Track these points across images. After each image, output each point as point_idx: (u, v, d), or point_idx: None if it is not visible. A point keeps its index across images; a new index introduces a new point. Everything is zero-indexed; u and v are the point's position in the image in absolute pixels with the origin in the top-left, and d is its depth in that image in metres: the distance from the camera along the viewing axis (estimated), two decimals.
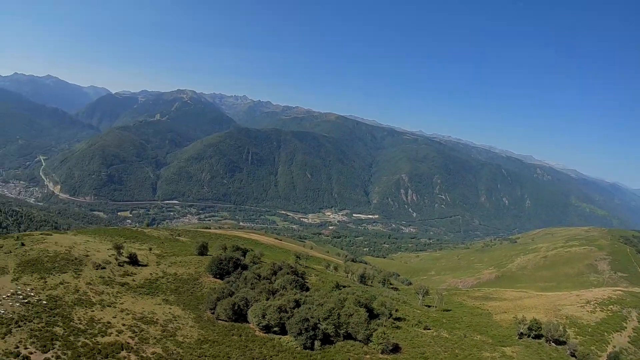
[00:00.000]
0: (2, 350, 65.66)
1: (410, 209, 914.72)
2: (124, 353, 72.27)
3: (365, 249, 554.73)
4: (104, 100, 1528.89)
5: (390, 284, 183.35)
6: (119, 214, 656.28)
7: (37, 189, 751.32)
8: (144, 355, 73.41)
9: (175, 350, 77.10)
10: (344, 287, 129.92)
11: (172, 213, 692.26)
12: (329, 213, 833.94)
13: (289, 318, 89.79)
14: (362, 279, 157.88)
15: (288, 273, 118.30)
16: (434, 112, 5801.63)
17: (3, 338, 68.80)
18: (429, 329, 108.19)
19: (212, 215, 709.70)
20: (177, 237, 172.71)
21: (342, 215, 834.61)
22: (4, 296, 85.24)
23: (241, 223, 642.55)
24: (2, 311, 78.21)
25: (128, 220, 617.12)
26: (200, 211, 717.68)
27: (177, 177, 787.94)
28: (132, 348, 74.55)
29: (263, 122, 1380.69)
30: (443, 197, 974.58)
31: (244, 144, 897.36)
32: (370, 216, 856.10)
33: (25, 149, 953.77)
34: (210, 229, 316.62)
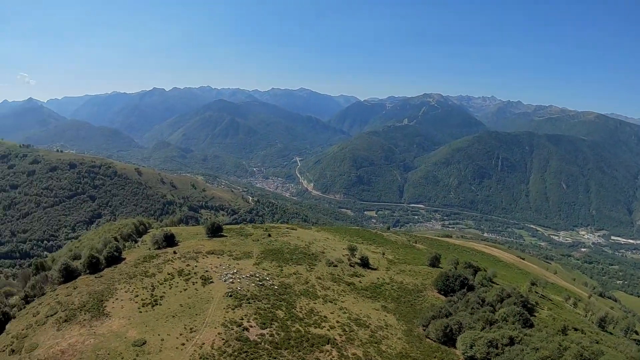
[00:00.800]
0: (229, 319, 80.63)
1: None
2: (328, 347, 77.57)
3: (618, 282, 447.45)
4: (353, 108, 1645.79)
5: (637, 333, 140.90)
6: (365, 213, 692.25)
7: (292, 185, 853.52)
8: (345, 354, 77.04)
9: (374, 357, 78.70)
10: (575, 330, 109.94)
11: (416, 217, 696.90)
12: (583, 232, 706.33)
13: (497, 355, 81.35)
14: (602, 322, 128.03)
15: (515, 303, 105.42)
16: None
17: (233, 310, 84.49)
18: None
19: (456, 222, 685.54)
20: (413, 244, 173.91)
21: (598, 236, 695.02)
22: (244, 276, 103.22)
23: (485, 234, 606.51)
24: (239, 287, 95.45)
25: (373, 220, 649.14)
26: (445, 217, 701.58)
27: (424, 181, 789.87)
28: (337, 344, 79.09)
29: (513, 124, 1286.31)
30: None
31: (493, 148, 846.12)
32: (632, 241, 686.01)
33: (283, 151, 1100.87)
34: (451, 237, 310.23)
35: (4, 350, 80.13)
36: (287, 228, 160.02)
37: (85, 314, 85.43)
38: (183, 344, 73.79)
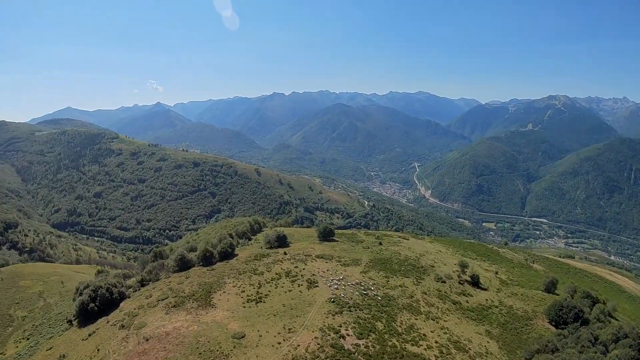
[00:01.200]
0: (327, 324, 79.85)
1: None
2: None
3: None
4: (474, 112, 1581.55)
5: None
6: (483, 224, 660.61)
7: (409, 191, 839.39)
8: None
9: None
10: None
11: (537, 232, 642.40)
12: None
13: None
14: None
15: (631, 346, 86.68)
16: None
17: (333, 316, 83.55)
18: None
19: (581, 242, 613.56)
20: (530, 264, 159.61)
21: None
22: (349, 283, 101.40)
23: (612, 257, 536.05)
24: (342, 294, 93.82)
25: (491, 232, 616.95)
26: (569, 235, 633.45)
27: (549, 193, 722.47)
28: None
29: None
30: None
31: (626, 158, 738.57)
32: None
33: (402, 156, 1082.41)
34: (573, 258, 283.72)
35: (115, 325, 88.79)
36: (399, 237, 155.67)
37: (193, 302, 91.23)
38: (279, 343, 74.24)
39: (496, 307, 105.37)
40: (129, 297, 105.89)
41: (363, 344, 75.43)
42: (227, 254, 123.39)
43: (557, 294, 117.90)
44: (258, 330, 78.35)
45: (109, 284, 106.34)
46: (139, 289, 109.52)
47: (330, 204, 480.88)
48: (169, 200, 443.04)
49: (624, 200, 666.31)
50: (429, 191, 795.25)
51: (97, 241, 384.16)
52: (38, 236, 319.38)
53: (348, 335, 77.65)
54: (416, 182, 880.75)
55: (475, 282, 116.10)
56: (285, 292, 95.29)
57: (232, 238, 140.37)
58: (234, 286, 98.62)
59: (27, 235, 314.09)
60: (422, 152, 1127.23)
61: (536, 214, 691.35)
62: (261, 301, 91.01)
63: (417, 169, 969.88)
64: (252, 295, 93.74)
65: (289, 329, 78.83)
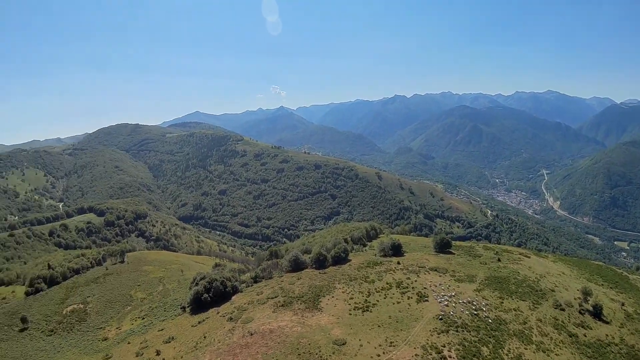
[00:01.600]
0: (430, 343, 76.88)
1: None
2: None
3: None
4: (608, 112, 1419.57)
5: None
6: (615, 243, 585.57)
7: (536, 201, 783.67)
8: None
9: None
10: None
11: None
12: None
13: None
14: None
15: None
16: None
17: (438, 334, 79.98)
18: None
19: None
20: None
21: None
22: (461, 301, 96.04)
23: None
24: (452, 312, 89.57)
25: (623, 253, 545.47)
26: None
27: None
28: None
29: None
30: None
31: None
32: None
33: (529, 162, 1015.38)
34: None
35: (224, 316, 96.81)
36: (519, 254, 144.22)
37: (300, 304, 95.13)
38: (379, 355, 73.72)
39: (616, 345, 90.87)
40: (241, 292, 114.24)
41: None
42: (340, 259, 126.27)
43: None
44: (359, 340, 78.60)
45: (223, 278, 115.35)
46: (252, 285, 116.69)
47: (451, 211, 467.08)
48: (290, 201, 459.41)
49: None
50: (558, 202, 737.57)
51: (219, 235, 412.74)
52: (164, 227, 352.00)
53: (450, 357, 74.23)
54: (544, 191, 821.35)
55: (597, 313, 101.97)
56: (394, 304, 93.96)
57: (347, 243, 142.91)
58: (343, 292, 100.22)
59: (154, 226, 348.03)
60: (551, 158, 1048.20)
61: None
62: (368, 310, 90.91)
63: (546, 177, 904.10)
64: (359, 303, 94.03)
65: (391, 342, 77.79)
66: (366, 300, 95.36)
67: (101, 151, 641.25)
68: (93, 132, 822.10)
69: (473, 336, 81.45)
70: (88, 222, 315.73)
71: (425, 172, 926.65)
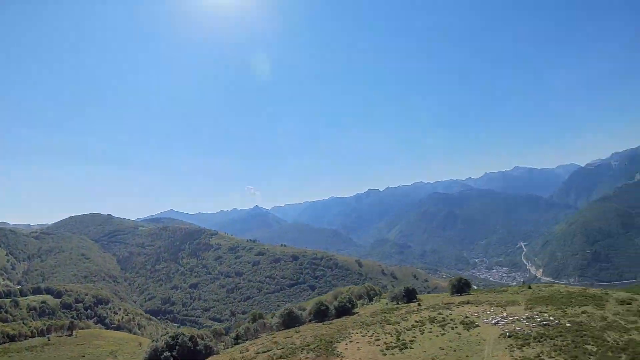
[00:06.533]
0: (519, 357, 58.93)
1: None
2: None
3: None
4: (575, 176, 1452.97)
5: None
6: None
7: (518, 273, 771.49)
8: None
9: None
10: None
11: None
12: None
13: None
14: None
15: None
16: None
17: (520, 348, 61.42)
18: None
19: None
20: None
21: None
22: (518, 318, 77.38)
23: None
24: (517, 328, 70.29)
25: None
26: None
27: None
28: None
29: None
30: None
31: None
32: None
33: (506, 237, 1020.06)
34: None
35: None
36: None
37: (308, 352, 70.46)
38: None
39: None
40: (218, 354, 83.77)
41: None
42: (346, 309, 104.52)
43: None
44: None
45: (193, 334, 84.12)
46: (232, 346, 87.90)
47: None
48: (266, 293, 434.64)
49: None
50: (541, 270, 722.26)
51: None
52: (127, 315, 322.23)
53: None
54: (525, 262, 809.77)
55: None
56: (437, 336, 70.54)
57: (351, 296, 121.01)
58: (363, 336, 75.93)
59: (116, 313, 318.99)
60: (528, 230, 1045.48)
61: None
62: (407, 347, 66.41)
63: (524, 249, 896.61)
64: (391, 342, 69.47)
65: None
66: (399, 338, 70.80)
67: (69, 237, 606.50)
68: (63, 219, 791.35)
69: (561, 341, 62.15)
70: (42, 302, 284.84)
71: (403, 261, 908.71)
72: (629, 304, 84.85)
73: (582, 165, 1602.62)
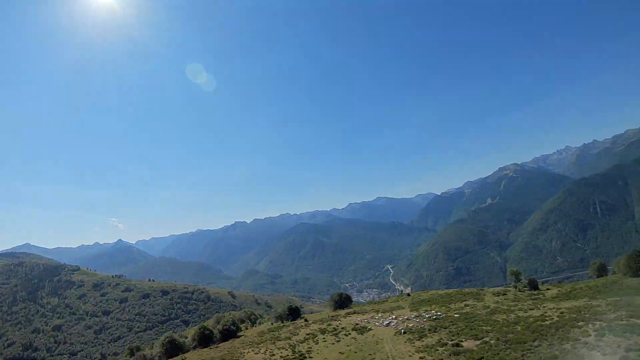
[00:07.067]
0: (423, 345, 61.64)
1: None
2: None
3: None
4: (432, 203, 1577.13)
5: None
6: None
7: (388, 293, 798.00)
8: None
9: None
10: None
11: None
12: None
13: None
14: None
15: None
16: None
17: (420, 339, 64.79)
18: None
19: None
20: None
21: None
22: (408, 318, 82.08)
23: None
24: (411, 325, 74.97)
25: None
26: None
27: (525, 254, 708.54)
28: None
29: (597, 165, 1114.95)
30: None
31: (586, 196, 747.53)
32: None
33: (373, 262, 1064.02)
34: None
35: None
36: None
37: None
38: None
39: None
40: None
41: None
42: (231, 333, 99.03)
43: None
44: None
45: None
46: None
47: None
48: (137, 332, 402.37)
49: (597, 234, 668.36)
50: (409, 287, 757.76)
51: None
52: None
53: (462, 341, 59.30)
54: (393, 282, 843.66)
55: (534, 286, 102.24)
56: (333, 343, 70.74)
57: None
58: (256, 354, 72.14)
59: None
60: (393, 254, 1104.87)
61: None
62: (306, 357, 65.16)
63: (391, 271, 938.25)
64: (288, 355, 67.26)
65: None
66: (295, 350, 69.08)
67: None
68: None
69: (455, 328, 67.10)
70: None
71: (275, 291, 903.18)
72: (505, 294, 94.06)
73: (439, 194, 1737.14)
